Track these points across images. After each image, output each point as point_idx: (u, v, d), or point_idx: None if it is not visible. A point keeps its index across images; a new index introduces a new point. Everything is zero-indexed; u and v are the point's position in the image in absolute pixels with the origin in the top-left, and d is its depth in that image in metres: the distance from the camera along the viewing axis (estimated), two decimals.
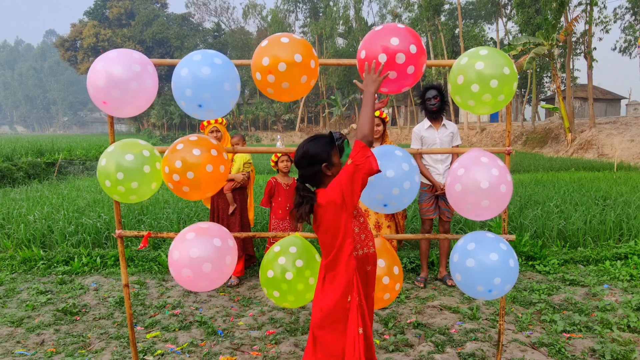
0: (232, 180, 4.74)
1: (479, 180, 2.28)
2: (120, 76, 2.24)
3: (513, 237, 2.71)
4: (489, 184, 2.27)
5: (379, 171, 2.04)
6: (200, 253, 2.30)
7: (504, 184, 2.30)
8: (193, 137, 2.42)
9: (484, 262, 2.36)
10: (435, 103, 4.59)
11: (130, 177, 2.36)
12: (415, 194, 2.47)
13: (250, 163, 4.94)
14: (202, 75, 2.20)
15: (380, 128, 4.54)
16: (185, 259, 2.30)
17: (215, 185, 2.43)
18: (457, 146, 4.73)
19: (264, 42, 2.27)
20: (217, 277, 2.38)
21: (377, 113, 4.51)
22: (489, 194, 2.27)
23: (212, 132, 4.66)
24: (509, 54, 21.55)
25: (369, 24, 50.57)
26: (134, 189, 2.40)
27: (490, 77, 2.24)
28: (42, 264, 5.39)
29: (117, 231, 2.77)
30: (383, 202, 2.43)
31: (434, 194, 4.67)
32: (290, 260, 2.43)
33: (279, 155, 4.93)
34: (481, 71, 2.25)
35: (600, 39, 33.20)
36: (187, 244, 2.32)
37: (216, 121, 4.67)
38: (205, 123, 4.71)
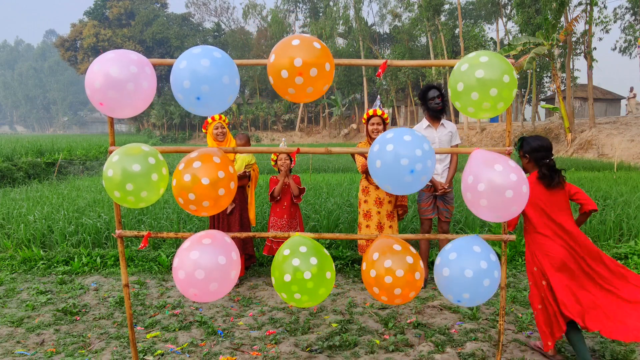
0: None
1: (503, 191, 2.24)
2: (116, 77, 2.24)
3: (513, 237, 2.71)
4: (513, 193, 2.25)
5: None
6: (205, 274, 2.29)
7: (524, 184, 2.29)
8: (197, 162, 2.39)
9: (457, 276, 2.36)
10: (439, 102, 4.60)
11: (140, 187, 2.36)
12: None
13: (251, 164, 4.95)
14: (201, 67, 2.18)
15: (381, 127, 4.55)
16: (192, 279, 2.30)
17: (229, 197, 2.49)
18: (457, 145, 4.74)
19: (296, 41, 2.23)
20: (224, 290, 2.41)
21: (379, 112, 4.55)
22: (515, 200, 2.27)
23: (216, 128, 4.66)
24: (508, 54, 21.59)
25: (369, 24, 50.56)
26: (143, 197, 2.41)
27: (490, 86, 2.23)
28: (42, 264, 5.39)
29: (117, 231, 2.77)
30: (409, 168, 2.28)
31: (433, 194, 4.68)
32: (305, 259, 2.37)
33: (278, 153, 4.97)
34: (481, 79, 2.24)
35: (600, 39, 33.13)
36: (192, 264, 2.30)
37: (220, 118, 4.68)
38: (210, 120, 4.71)
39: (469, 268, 2.34)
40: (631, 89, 29.31)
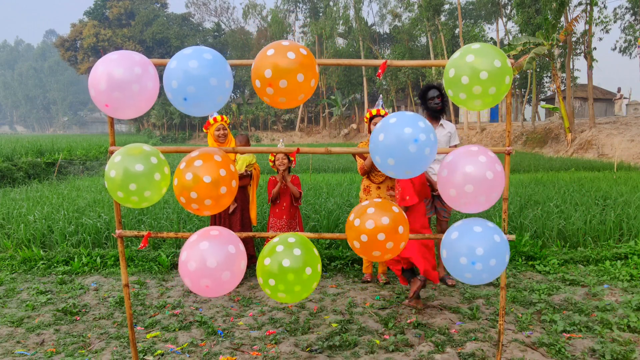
0: None
1: (464, 165, 2.31)
2: (121, 79, 2.25)
3: (513, 237, 2.71)
4: (474, 168, 2.28)
5: None
6: (217, 263, 2.30)
7: (491, 170, 2.30)
8: (198, 161, 2.39)
9: (466, 233, 2.39)
10: (439, 102, 4.61)
11: (143, 186, 2.37)
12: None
13: (252, 164, 4.95)
14: (189, 68, 2.21)
15: None
16: (204, 269, 2.30)
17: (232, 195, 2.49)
18: (456, 146, 4.74)
19: (270, 51, 2.24)
20: (235, 281, 2.42)
21: (382, 112, 4.55)
22: (474, 179, 2.28)
23: (218, 130, 4.67)
24: (509, 54, 21.57)
25: (369, 24, 50.54)
26: (147, 197, 2.42)
27: (480, 70, 2.25)
28: (42, 264, 5.39)
29: (117, 231, 2.77)
30: (413, 137, 2.22)
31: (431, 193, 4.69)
32: (289, 249, 2.38)
33: (275, 153, 4.96)
34: (471, 63, 2.26)
35: (601, 39, 33.17)
36: (203, 254, 2.32)
37: (222, 118, 4.69)
38: (211, 121, 4.72)
39: (477, 225, 2.40)
40: (619, 90, 29.41)
